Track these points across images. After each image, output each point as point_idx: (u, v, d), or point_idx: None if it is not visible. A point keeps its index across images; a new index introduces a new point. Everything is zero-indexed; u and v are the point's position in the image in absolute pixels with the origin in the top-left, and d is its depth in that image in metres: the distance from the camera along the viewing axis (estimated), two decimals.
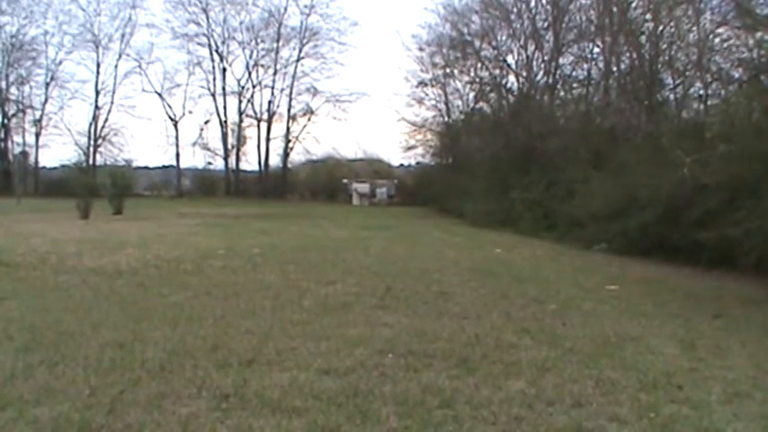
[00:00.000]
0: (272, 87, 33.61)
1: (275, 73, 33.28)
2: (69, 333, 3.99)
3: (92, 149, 32.10)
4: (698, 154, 8.16)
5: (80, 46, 32.08)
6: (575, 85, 18.27)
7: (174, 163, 34.08)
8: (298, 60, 33.17)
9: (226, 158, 33.70)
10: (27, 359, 3.39)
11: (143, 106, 56.49)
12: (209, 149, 34.07)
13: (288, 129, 33.40)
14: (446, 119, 26.91)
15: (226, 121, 33.68)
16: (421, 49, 25.64)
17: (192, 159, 37.95)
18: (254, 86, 33.73)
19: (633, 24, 14.45)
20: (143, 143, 55.81)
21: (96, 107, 32.40)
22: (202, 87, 34.00)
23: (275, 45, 32.96)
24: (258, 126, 33.77)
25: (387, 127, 63.46)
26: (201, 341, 3.85)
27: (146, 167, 33.62)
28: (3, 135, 31.75)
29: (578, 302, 5.57)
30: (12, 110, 31.79)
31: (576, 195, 12.10)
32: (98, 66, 32.33)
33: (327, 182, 31.69)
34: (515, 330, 4.41)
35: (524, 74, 19.89)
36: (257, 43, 33.24)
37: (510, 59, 20.80)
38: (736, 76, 9.60)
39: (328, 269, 7.29)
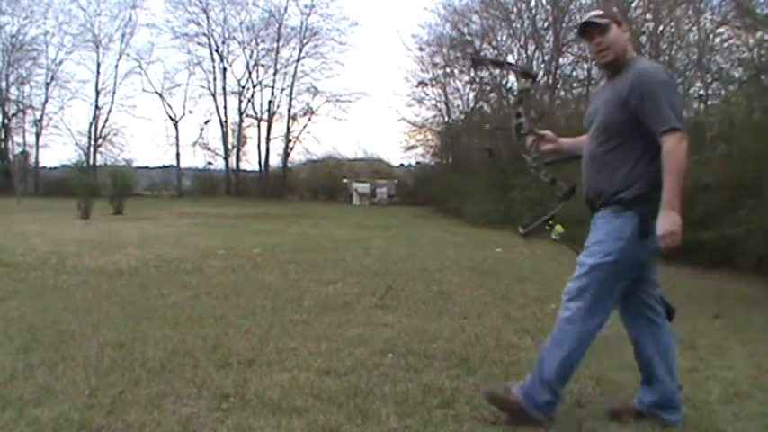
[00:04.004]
0: (273, 87, 33.63)
1: (275, 73, 33.30)
2: (69, 333, 3.99)
3: (92, 149, 32.11)
4: (698, 154, 8.15)
5: (80, 46, 32.10)
6: (575, 84, 18.30)
7: (175, 163, 34.10)
8: (298, 60, 33.18)
9: (226, 158, 33.72)
10: (27, 359, 3.39)
11: (143, 106, 56.67)
12: (209, 149, 34.10)
13: (288, 129, 33.42)
14: (446, 119, 26.93)
15: (226, 121, 33.70)
16: (421, 49, 25.63)
17: (193, 159, 38.11)
18: (254, 86, 33.75)
19: (633, 24, 14.45)
20: (143, 143, 55.95)
21: (96, 107, 32.41)
22: (202, 87, 34.09)
23: (275, 45, 32.97)
24: (258, 126, 33.79)
25: (387, 127, 63.53)
26: (202, 341, 3.85)
27: (146, 167, 33.66)
28: (3, 135, 31.73)
29: None
30: (12, 110, 31.79)
31: (577, 195, 12.08)
32: (98, 66, 32.36)
33: (327, 182, 31.68)
34: (516, 330, 4.41)
35: None
36: (257, 43, 33.27)
37: (510, 59, 20.80)
38: (736, 76, 9.60)
39: (328, 269, 7.29)
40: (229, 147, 33.66)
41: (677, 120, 2.50)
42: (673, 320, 2.92)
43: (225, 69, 33.40)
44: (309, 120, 33.63)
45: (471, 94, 24.44)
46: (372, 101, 54.50)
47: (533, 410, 2.64)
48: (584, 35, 2.77)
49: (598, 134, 2.71)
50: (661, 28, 13.71)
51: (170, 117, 33.54)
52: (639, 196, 2.57)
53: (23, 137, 32.22)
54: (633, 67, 2.63)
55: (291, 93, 33.32)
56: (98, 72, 32.34)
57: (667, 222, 2.47)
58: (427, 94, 27.43)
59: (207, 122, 33.89)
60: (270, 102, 33.60)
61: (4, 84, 31.28)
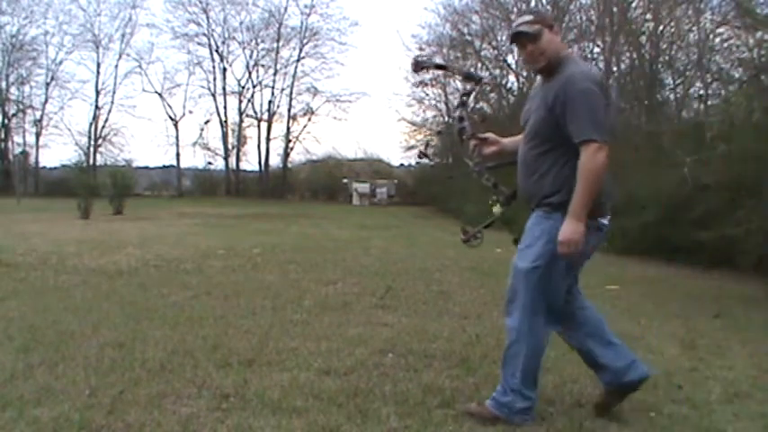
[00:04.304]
0: (273, 87, 33.62)
1: (275, 73, 33.29)
2: (69, 333, 3.99)
3: (92, 149, 32.12)
4: (698, 154, 8.15)
5: (80, 46, 32.12)
6: None
7: (175, 163, 34.11)
8: (298, 60, 33.18)
9: (226, 158, 33.72)
10: (27, 359, 3.39)
11: (143, 106, 56.73)
12: (209, 149, 34.09)
13: (288, 129, 33.41)
14: (446, 119, 26.92)
15: (226, 121, 33.70)
16: (421, 49, 25.63)
17: (193, 159, 38.09)
18: (254, 86, 33.74)
19: (633, 24, 14.46)
20: (143, 143, 55.98)
21: (96, 107, 32.42)
22: (202, 87, 34.06)
23: (275, 45, 32.97)
24: (258, 126, 33.78)
25: (387, 127, 63.57)
26: (202, 341, 3.85)
27: (146, 167, 33.66)
28: (3, 135, 31.74)
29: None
30: (12, 110, 31.79)
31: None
32: (98, 66, 32.36)
33: (327, 182, 31.67)
34: None
35: (524, 74, 19.92)
36: (257, 43, 33.26)
37: (510, 59, 20.84)
38: (736, 76, 9.60)
39: (328, 269, 7.29)
40: (229, 147, 33.68)
41: (595, 130, 2.46)
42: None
43: (225, 69, 33.42)
44: (309, 120, 33.62)
45: (471, 94, 24.44)
46: (372, 101, 54.54)
47: (513, 417, 2.66)
48: (515, 44, 2.72)
49: (530, 138, 2.71)
50: (661, 28, 13.72)
51: (170, 117, 33.57)
52: (566, 202, 2.57)
53: (23, 137, 32.25)
54: (564, 70, 2.59)
55: (291, 93, 33.35)
56: (98, 72, 32.37)
57: (569, 230, 2.48)
58: (427, 94, 27.47)
59: (207, 122, 33.90)
60: (270, 102, 33.62)
61: (4, 84, 31.29)
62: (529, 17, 2.69)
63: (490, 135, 3.03)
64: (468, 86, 3.10)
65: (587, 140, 2.46)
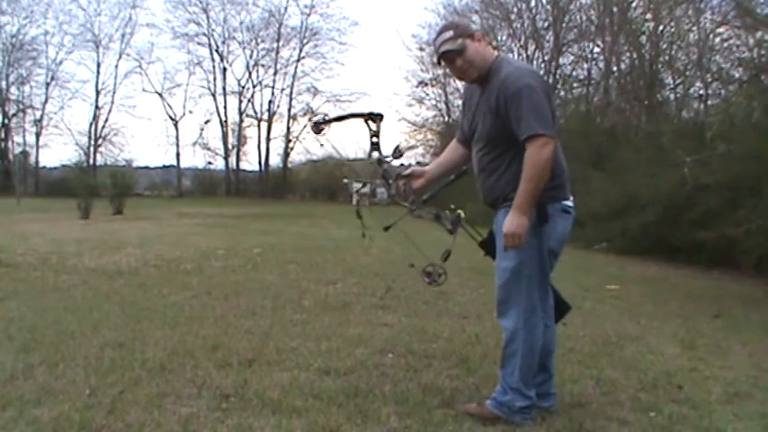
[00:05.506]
0: (273, 87, 33.75)
1: (275, 73, 33.42)
2: (69, 333, 3.99)
3: (92, 149, 32.23)
4: (698, 154, 8.16)
5: (80, 46, 32.32)
6: (575, 84, 18.34)
7: (175, 163, 34.19)
8: (298, 60, 33.30)
9: (226, 158, 33.82)
10: (27, 359, 3.39)
11: (143, 106, 56.81)
12: (209, 149, 34.20)
13: (288, 129, 33.51)
14: (446, 119, 26.94)
15: (226, 121, 33.80)
16: (421, 49, 25.72)
17: (193, 159, 38.16)
18: (254, 86, 33.86)
19: (633, 24, 14.48)
20: (143, 143, 56.04)
21: (96, 107, 32.54)
22: (202, 87, 34.26)
23: (275, 45, 33.10)
24: (258, 126, 33.89)
25: (387, 127, 63.51)
26: (202, 341, 3.85)
27: (146, 167, 33.77)
28: (3, 135, 31.82)
29: (578, 302, 5.56)
30: (12, 110, 31.87)
31: (576, 195, 12.11)
32: (98, 66, 32.53)
33: (327, 182, 31.70)
34: None
35: None
36: (257, 43, 33.39)
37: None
38: (736, 75, 9.62)
39: (329, 269, 7.29)
40: (229, 147, 33.77)
41: (539, 125, 2.44)
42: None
43: (225, 69, 33.53)
44: (310, 120, 33.63)
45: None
46: (372, 101, 54.48)
47: (513, 416, 2.66)
48: (443, 62, 2.70)
49: (482, 145, 2.72)
50: (661, 28, 13.73)
51: (170, 117, 33.67)
52: None
53: (23, 137, 32.35)
54: (499, 72, 2.57)
55: (291, 93, 33.46)
56: (98, 72, 32.51)
57: (514, 223, 2.51)
58: (427, 94, 27.52)
59: (207, 122, 34.01)
60: (270, 102, 33.71)
61: (4, 84, 31.39)
62: (449, 33, 2.63)
63: (415, 169, 3.07)
64: (374, 127, 2.97)
65: (533, 135, 2.46)
